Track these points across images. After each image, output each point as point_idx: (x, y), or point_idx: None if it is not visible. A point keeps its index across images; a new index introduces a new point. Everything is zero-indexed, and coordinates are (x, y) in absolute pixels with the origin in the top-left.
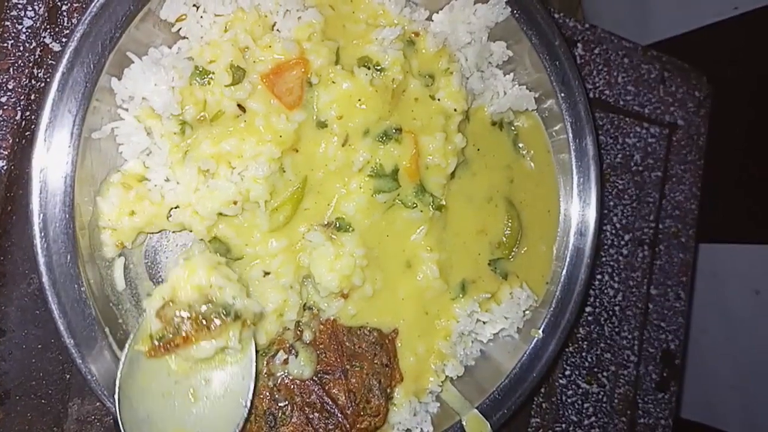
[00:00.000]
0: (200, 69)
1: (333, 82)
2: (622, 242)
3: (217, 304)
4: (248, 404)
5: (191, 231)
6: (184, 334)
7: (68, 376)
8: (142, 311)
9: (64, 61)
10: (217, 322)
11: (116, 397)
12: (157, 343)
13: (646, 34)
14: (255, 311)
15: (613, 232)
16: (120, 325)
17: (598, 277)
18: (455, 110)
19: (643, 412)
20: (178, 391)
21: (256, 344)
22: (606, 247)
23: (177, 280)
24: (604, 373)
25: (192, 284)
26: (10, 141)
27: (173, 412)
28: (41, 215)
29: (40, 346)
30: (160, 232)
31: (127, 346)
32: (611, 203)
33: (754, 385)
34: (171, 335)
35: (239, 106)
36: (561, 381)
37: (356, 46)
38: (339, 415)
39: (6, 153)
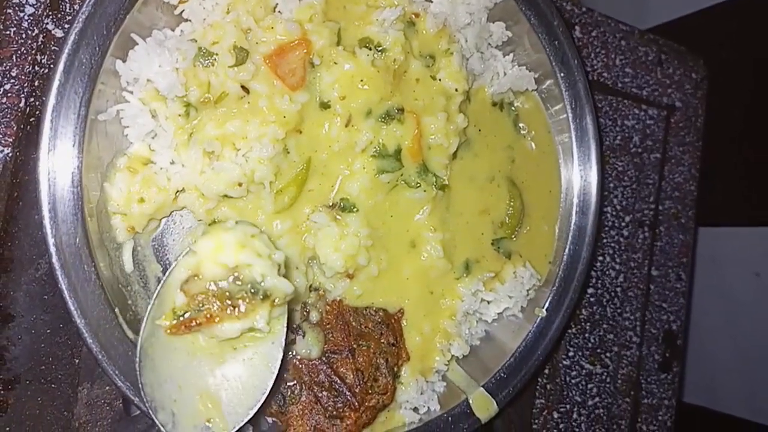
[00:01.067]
0: (204, 50)
1: (335, 62)
2: (623, 224)
3: (244, 282)
4: (276, 371)
5: (193, 213)
6: (207, 314)
7: (77, 361)
8: (150, 293)
9: (70, 42)
10: (243, 305)
11: (137, 356)
12: (178, 320)
13: (641, 20)
14: (286, 291)
15: (614, 213)
16: (129, 306)
17: (600, 258)
18: (456, 90)
19: (647, 393)
20: (205, 351)
21: (288, 314)
22: (607, 228)
23: (204, 253)
24: (607, 354)
25: (218, 261)
26: (15, 128)
27: (198, 372)
28: (50, 197)
29: (48, 331)
30: (170, 215)
31: (150, 305)
32: (611, 185)
33: (755, 368)
34: (194, 312)
35: (243, 87)
36: (565, 362)
37: (357, 27)
38: (347, 393)
39: (11, 140)
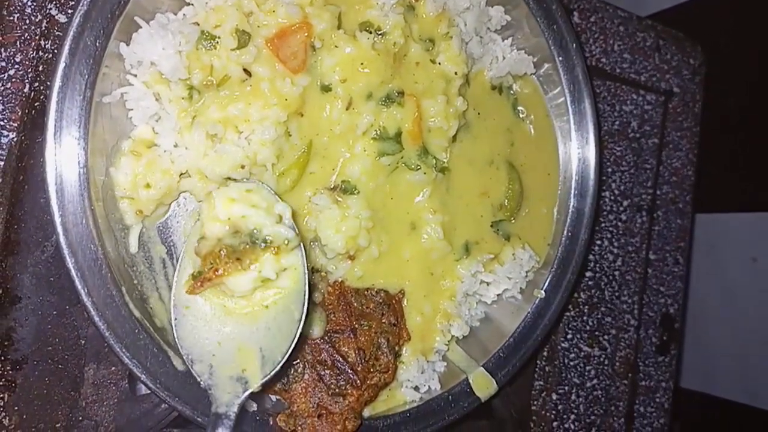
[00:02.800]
0: (206, 34)
1: (336, 46)
2: (621, 208)
3: (243, 234)
4: (301, 317)
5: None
6: (214, 269)
7: (83, 342)
8: (155, 273)
9: (75, 25)
10: (244, 256)
11: (171, 314)
12: (194, 280)
13: (640, 7)
14: (285, 236)
15: (612, 198)
16: (135, 286)
17: (598, 242)
18: (455, 74)
19: (644, 375)
20: (238, 312)
21: (306, 257)
22: (605, 212)
23: (204, 214)
24: (605, 337)
25: (214, 218)
26: (20, 113)
27: (235, 329)
28: (57, 177)
29: (55, 313)
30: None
31: (176, 272)
32: (609, 170)
33: (752, 353)
34: (206, 271)
35: (245, 70)
36: (563, 344)
37: (357, 11)
38: (349, 371)
39: (16, 125)
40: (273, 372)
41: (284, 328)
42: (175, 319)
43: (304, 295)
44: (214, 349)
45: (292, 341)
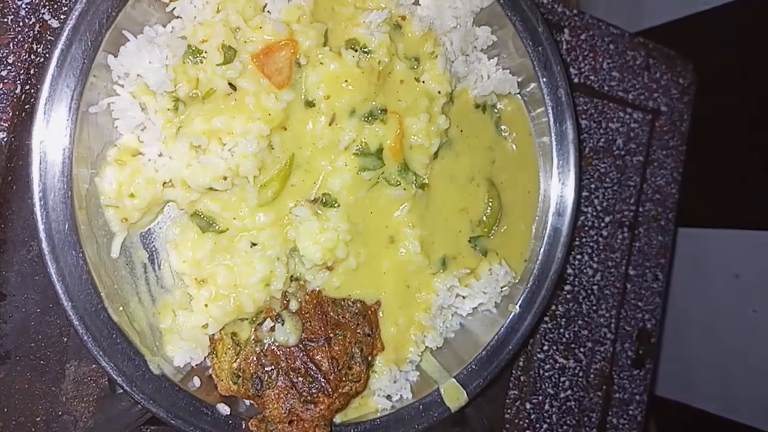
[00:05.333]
0: (193, 48)
1: (321, 63)
2: (603, 224)
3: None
4: None
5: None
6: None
7: (65, 339)
8: (136, 278)
9: (63, 38)
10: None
11: None
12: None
13: (639, 21)
14: None
15: (594, 213)
16: (115, 291)
17: (578, 257)
18: (439, 92)
19: (619, 387)
20: None
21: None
22: (586, 228)
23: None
24: (581, 349)
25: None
26: (10, 114)
27: None
28: (41, 185)
29: (38, 310)
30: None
31: None
32: (593, 186)
33: (731, 367)
34: None
35: (230, 84)
36: (539, 355)
37: (344, 28)
38: (322, 379)
39: (6, 125)
40: None
41: None
42: None
43: None
44: None
45: None
